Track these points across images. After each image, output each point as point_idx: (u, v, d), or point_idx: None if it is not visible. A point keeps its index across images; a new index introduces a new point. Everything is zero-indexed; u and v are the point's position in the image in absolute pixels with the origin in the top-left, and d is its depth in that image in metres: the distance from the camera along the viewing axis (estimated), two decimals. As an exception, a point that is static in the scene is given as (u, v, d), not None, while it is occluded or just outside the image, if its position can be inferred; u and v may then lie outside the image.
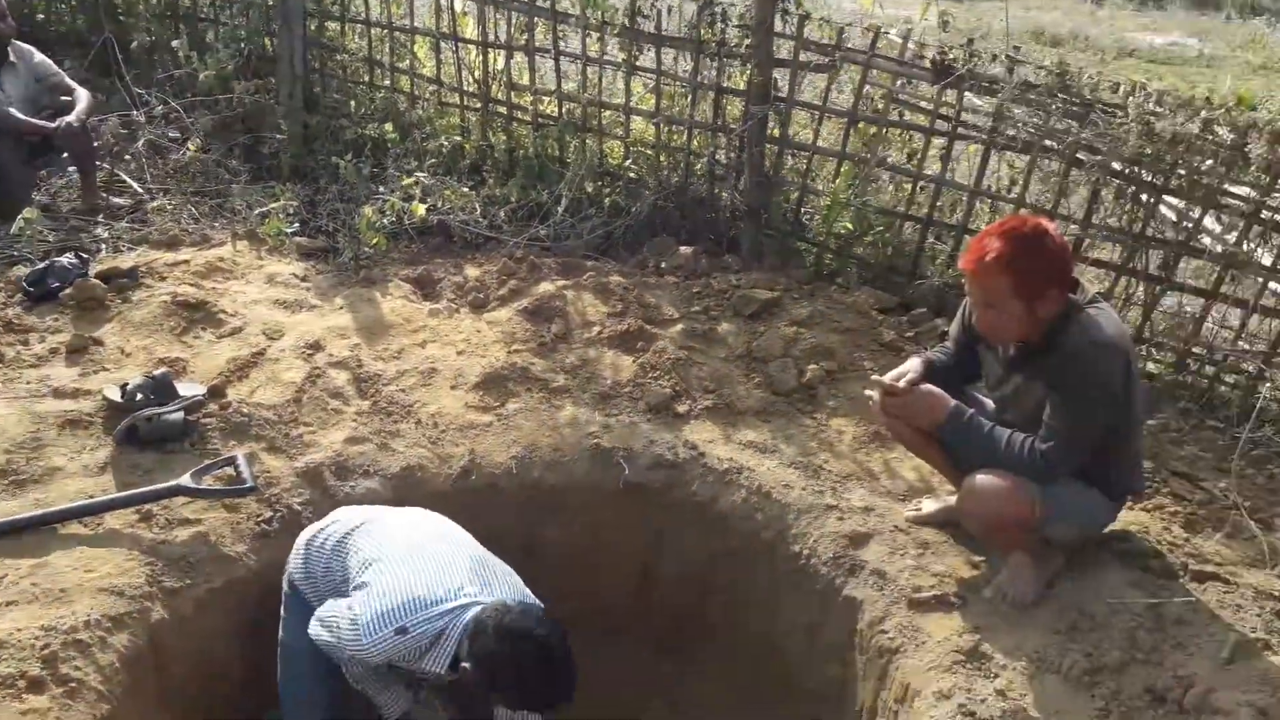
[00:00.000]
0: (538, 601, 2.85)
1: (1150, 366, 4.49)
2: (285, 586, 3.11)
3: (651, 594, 4.02)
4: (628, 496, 3.88)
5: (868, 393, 3.42)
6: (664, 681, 4.05)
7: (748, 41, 4.89)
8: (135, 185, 5.59)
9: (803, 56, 4.92)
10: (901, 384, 3.27)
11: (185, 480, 3.34)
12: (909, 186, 5.07)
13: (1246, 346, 4.39)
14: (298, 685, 2.97)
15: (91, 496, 3.28)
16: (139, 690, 2.90)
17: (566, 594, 4.00)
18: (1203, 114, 4.08)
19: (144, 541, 3.19)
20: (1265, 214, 4.10)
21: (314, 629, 2.82)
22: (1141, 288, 4.42)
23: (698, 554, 3.91)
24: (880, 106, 4.91)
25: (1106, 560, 3.29)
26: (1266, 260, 4.21)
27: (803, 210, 5.29)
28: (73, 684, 2.65)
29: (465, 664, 2.61)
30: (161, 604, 3.07)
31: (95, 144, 5.61)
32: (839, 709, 3.40)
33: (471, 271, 5.00)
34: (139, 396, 3.66)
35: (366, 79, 6.18)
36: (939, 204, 4.89)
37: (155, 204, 5.38)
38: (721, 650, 3.95)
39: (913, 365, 3.39)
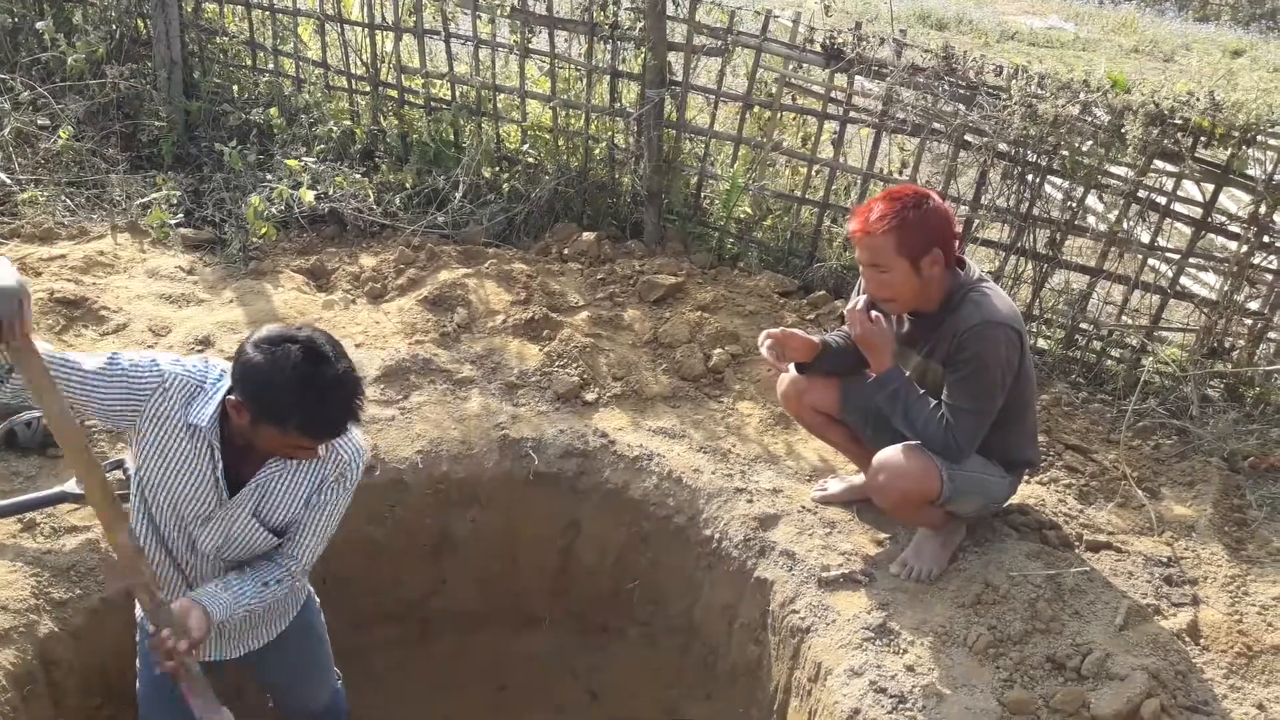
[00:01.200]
0: None
1: (1041, 343, 4.65)
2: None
3: (569, 582, 4.00)
4: (540, 486, 3.85)
5: (764, 351, 3.31)
6: (584, 667, 4.04)
7: (641, 24, 4.87)
8: (3, 176, 5.27)
9: (696, 40, 4.92)
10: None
11: (70, 486, 3.17)
12: (804, 170, 5.14)
13: (1129, 321, 4.59)
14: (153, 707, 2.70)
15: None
16: (31, 711, 2.75)
17: (484, 586, 3.98)
18: (1081, 96, 4.22)
19: (28, 552, 3.03)
20: (1142, 193, 4.28)
21: None
22: (1030, 266, 4.56)
23: (613, 540, 3.90)
24: (774, 91, 4.95)
25: (1006, 533, 3.41)
26: (1145, 238, 4.39)
27: (703, 195, 5.31)
28: (-44, 709, 2.50)
29: (229, 397, 2.32)
30: (50, 616, 2.91)
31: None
32: (757, 688, 3.44)
33: (367, 261, 4.88)
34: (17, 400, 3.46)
35: (249, 62, 5.94)
36: (834, 187, 4.96)
37: (26, 195, 5.08)
38: (641, 634, 3.96)
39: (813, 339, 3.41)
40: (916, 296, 3.10)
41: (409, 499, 3.78)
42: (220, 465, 2.41)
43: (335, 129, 5.48)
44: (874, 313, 3.18)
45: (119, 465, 3.33)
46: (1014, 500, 3.49)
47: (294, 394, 2.21)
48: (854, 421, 3.46)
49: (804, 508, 3.63)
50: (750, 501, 3.66)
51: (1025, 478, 3.54)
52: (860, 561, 3.37)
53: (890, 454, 3.17)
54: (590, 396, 4.12)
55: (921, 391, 3.16)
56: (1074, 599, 3.11)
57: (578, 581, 4.01)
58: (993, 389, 3.08)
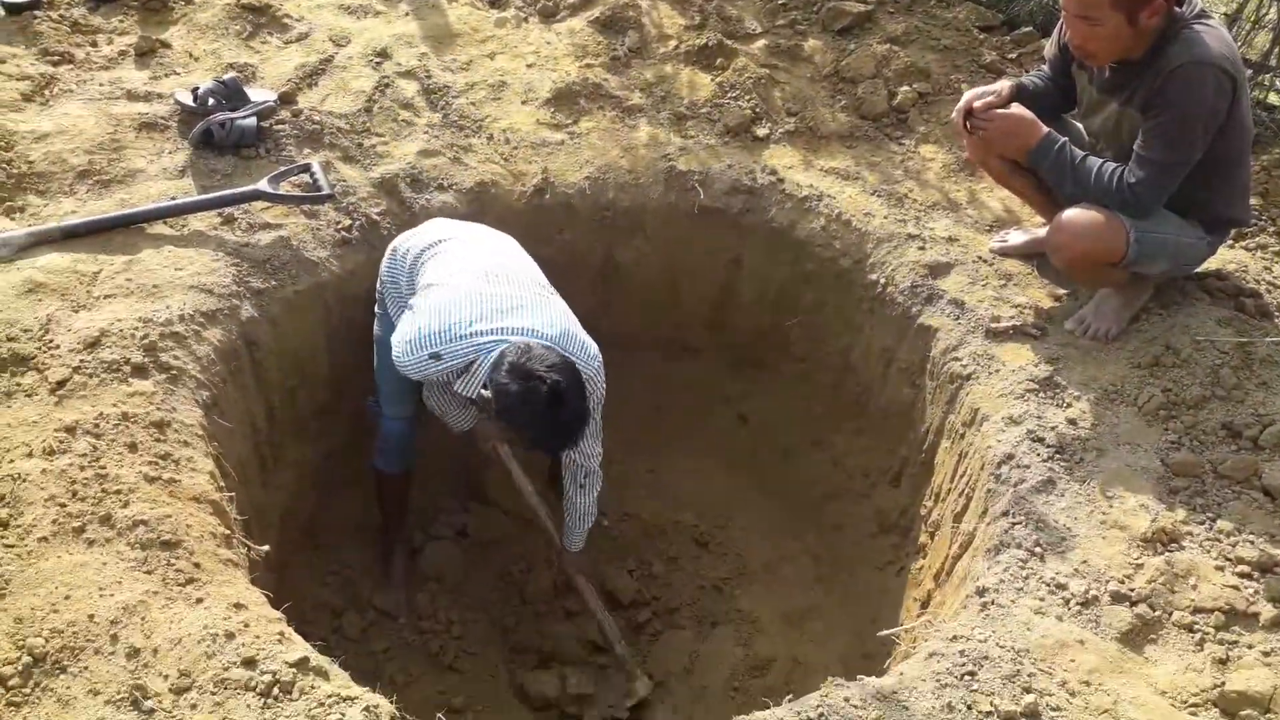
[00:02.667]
0: (581, 341, 2.92)
1: (1273, 97, 4.17)
2: (378, 286, 3.22)
3: (727, 315, 4.04)
4: (704, 220, 3.81)
5: (955, 116, 3.23)
6: (737, 395, 4.15)
7: None
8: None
9: None
10: (985, 103, 3.10)
11: (263, 185, 3.34)
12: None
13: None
14: (391, 373, 3.10)
15: (174, 198, 3.30)
16: (237, 381, 3.03)
17: (644, 314, 4.06)
18: None
19: (228, 243, 3.23)
20: None
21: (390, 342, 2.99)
22: (1275, 8, 4.02)
23: (774, 279, 3.88)
24: None
25: (1198, 297, 3.20)
26: None
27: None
28: (173, 371, 2.76)
29: (485, 393, 2.75)
30: (250, 303, 3.14)
31: None
32: (908, 428, 3.46)
33: (541, -23, 4.72)
34: (211, 101, 3.60)
35: None
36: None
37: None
38: (795, 370, 3.99)
39: (1002, 86, 3.19)
40: (1125, 49, 2.80)
41: (577, 223, 3.82)
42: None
43: None
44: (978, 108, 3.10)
45: (305, 169, 3.48)
46: (1211, 264, 3.25)
47: (534, 426, 2.72)
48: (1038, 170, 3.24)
49: (980, 258, 3.50)
50: (922, 249, 3.54)
51: (1230, 241, 3.28)
52: (1033, 315, 3.25)
53: (1074, 212, 2.97)
54: (761, 131, 3.98)
55: (1080, 156, 2.94)
56: (1264, 370, 2.93)
57: (736, 316, 4.04)
58: (1190, 137, 2.79)
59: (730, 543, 3.84)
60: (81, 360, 2.68)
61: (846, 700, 2.12)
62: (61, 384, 2.61)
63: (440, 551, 3.58)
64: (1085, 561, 2.48)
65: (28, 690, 1.90)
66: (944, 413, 3.23)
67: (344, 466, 3.59)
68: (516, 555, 3.72)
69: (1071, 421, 2.88)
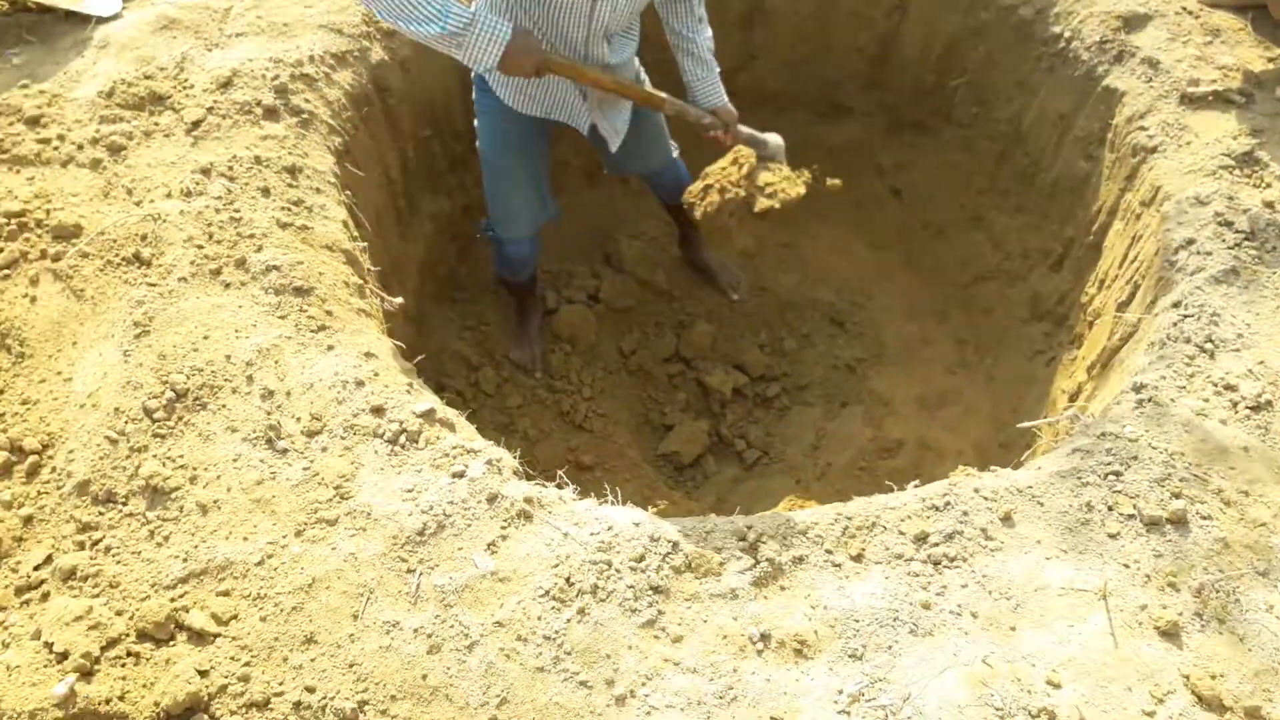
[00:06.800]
0: None
1: None
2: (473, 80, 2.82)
3: (886, 72, 3.71)
4: (867, -42, 3.44)
5: None
6: (890, 165, 3.87)
7: None
8: None
9: None
10: None
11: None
12: None
13: None
14: (503, 189, 2.92)
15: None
16: (369, 128, 2.97)
17: (791, 68, 3.77)
18: None
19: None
20: None
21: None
22: None
23: (942, 29, 3.51)
24: None
25: None
26: None
27: None
28: (305, 115, 2.71)
29: None
30: (380, 45, 3.03)
31: None
32: (1077, 206, 3.17)
33: None
34: None
35: None
36: None
37: None
38: (957, 136, 3.68)
39: None
40: None
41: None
42: None
43: None
44: None
45: None
46: None
47: None
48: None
49: (1184, 9, 3.05)
50: (1118, -4, 3.11)
51: None
52: (1240, 79, 2.84)
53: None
54: None
55: None
56: None
57: (896, 72, 3.70)
58: None
59: (868, 323, 3.69)
60: (215, 101, 2.66)
61: (976, 491, 2.03)
62: (196, 124, 2.60)
63: (573, 313, 3.57)
64: (1262, 362, 2.24)
65: (171, 423, 1.99)
66: (1120, 190, 2.92)
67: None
68: (649, 322, 3.68)
69: (1269, 205, 2.55)
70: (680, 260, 3.78)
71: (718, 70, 2.87)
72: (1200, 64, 2.91)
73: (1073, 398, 2.91)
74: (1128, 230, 2.85)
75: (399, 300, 2.67)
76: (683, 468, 3.48)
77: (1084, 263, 3.10)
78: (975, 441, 3.31)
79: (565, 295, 3.65)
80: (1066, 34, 3.16)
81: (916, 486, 2.11)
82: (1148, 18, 3.04)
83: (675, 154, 3.27)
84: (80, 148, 2.51)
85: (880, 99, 3.79)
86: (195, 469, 1.94)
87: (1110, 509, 2.00)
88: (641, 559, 1.86)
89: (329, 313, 2.28)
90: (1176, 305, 2.41)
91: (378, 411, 2.05)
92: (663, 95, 2.72)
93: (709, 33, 2.85)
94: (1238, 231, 2.50)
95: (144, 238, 2.32)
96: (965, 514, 1.99)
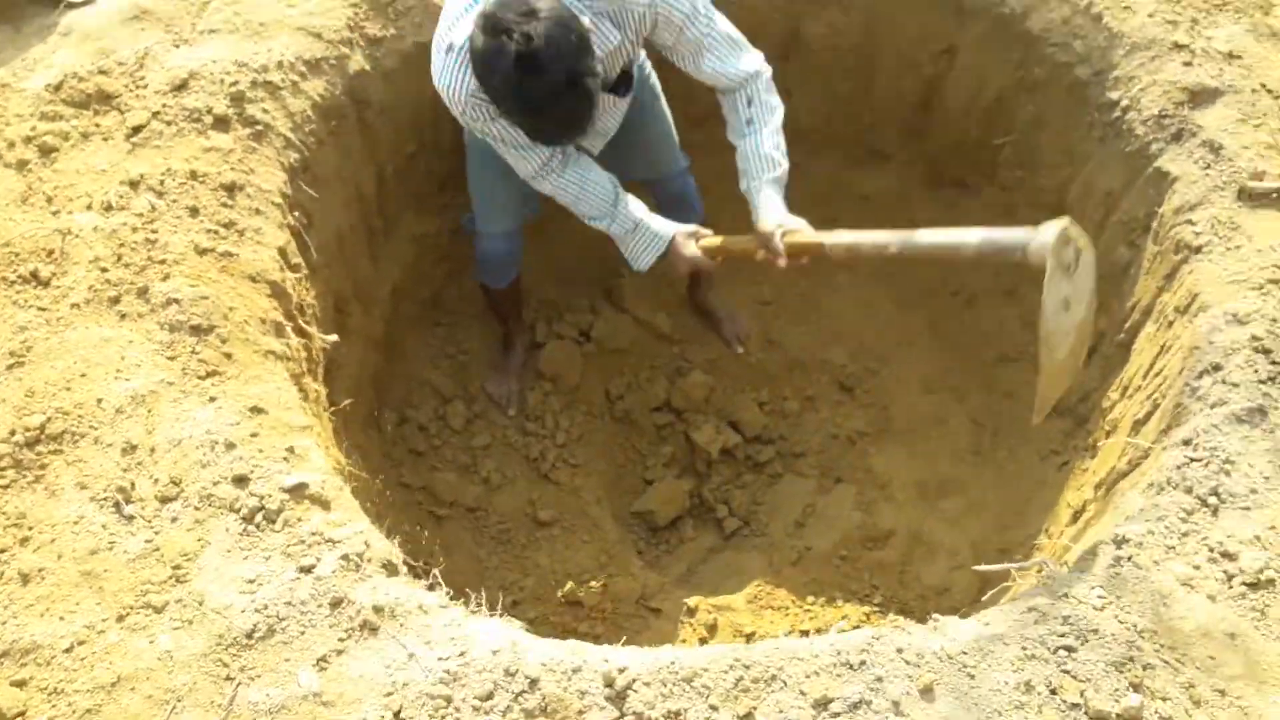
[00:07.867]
0: None
1: None
2: None
3: (929, 121, 3.38)
4: (915, -3, 3.11)
5: None
6: (925, 220, 3.53)
7: None
8: None
9: None
10: None
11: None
12: None
13: None
14: (485, 182, 2.76)
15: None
16: (338, 143, 2.78)
17: (827, 106, 3.47)
18: None
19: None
20: None
21: None
22: None
23: (992, 81, 3.16)
24: None
25: None
26: None
27: None
28: (259, 126, 2.53)
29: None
30: (362, 53, 2.83)
31: None
32: (1112, 296, 2.80)
33: None
34: None
35: None
36: None
37: None
38: (998, 199, 3.34)
39: None
40: None
41: (756, -12, 3.20)
42: None
43: None
44: None
45: None
46: None
47: (509, 100, 2.04)
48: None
49: (1264, 86, 2.65)
50: (1188, 64, 2.72)
51: None
52: (1315, 176, 2.45)
53: None
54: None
55: None
56: None
57: (939, 121, 3.37)
58: None
59: (879, 391, 3.38)
60: (164, 105, 2.49)
61: (900, 652, 1.74)
62: (137, 130, 2.44)
63: (559, 350, 3.34)
64: (1273, 528, 1.90)
65: (16, 472, 1.84)
66: (1158, 289, 2.56)
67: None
68: (642, 366, 3.43)
69: (1321, 333, 2.18)
70: (686, 302, 3.52)
71: (771, 150, 2.43)
72: (1270, 154, 2.52)
73: (1076, 515, 2.58)
74: (1158, 336, 2.49)
75: (333, 337, 2.48)
76: (657, 529, 3.24)
77: (1113, 361, 2.75)
78: (973, 541, 3.00)
79: (555, 330, 3.42)
80: (1124, 102, 2.79)
81: (840, 631, 1.84)
82: (1218, 93, 2.66)
83: (685, 165, 3.01)
84: (12, 145, 2.38)
85: (921, 149, 3.46)
86: (30, 528, 1.79)
87: (1053, 693, 1.70)
88: (489, 697, 1.63)
89: (227, 355, 2.10)
90: (1187, 443, 2.07)
91: (240, 481, 1.86)
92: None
93: (755, 93, 2.49)
94: (1274, 363, 2.14)
95: (50, 253, 2.18)
96: (879, 680, 1.71)
